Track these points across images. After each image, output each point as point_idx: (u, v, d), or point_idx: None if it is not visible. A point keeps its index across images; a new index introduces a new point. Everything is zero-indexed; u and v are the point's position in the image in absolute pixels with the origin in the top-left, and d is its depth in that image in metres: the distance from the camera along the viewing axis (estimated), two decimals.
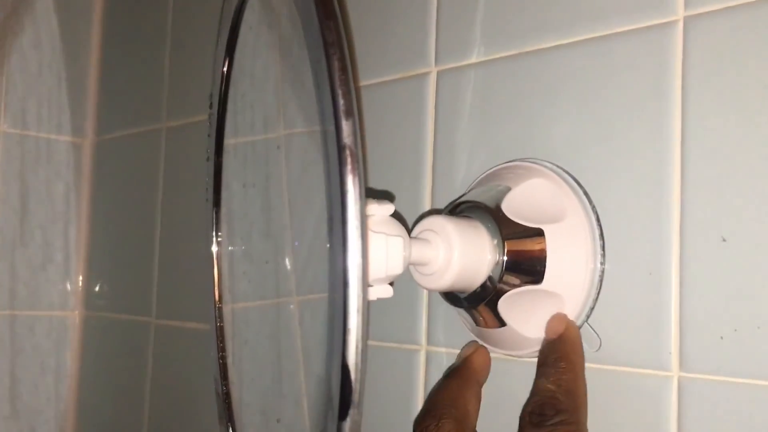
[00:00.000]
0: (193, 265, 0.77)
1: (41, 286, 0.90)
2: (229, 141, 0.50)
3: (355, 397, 0.30)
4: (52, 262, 0.91)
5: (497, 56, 0.53)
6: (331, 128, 0.30)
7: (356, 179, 0.30)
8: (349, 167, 0.30)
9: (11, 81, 0.89)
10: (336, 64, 0.31)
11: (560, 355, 0.45)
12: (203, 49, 0.79)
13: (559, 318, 0.47)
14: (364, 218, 0.30)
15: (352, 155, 0.30)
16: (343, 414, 0.30)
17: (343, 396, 0.30)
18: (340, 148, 0.30)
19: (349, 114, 0.30)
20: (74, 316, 0.93)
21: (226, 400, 0.50)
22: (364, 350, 0.30)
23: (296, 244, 0.51)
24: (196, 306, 0.76)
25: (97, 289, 0.92)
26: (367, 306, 0.30)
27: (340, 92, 0.30)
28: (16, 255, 0.89)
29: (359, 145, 0.30)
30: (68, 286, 0.92)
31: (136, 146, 0.88)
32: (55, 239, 0.91)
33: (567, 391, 0.43)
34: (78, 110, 0.94)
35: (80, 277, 0.93)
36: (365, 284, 0.30)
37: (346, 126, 0.30)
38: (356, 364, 0.30)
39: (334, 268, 0.31)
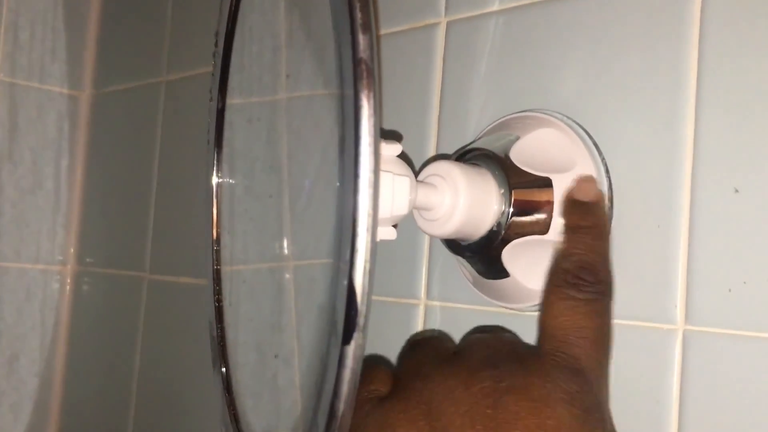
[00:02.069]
0: (189, 221, 0.76)
1: (29, 215, 0.89)
2: (234, 77, 0.49)
3: (361, 320, 0.29)
4: (42, 188, 0.90)
5: (513, 5, 0.52)
6: (347, 43, 0.29)
7: (371, 94, 0.29)
8: (364, 81, 0.29)
9: (9, 30, 0.88)
10: None
11: (595, 222, 0.41)
12: (206, 1, 0.78)
13: (591, 181, 0.43)
14: (377, 136, 0.29)
15: (368, 70, 0.29)
16: (347, 338, 0.30)
17: (348, 318, 0.29)
18: (356, 62, 0.29)
19: (366, 27, 0.29)
20: (66, 269, 0.92)
21: (220, 342, 0.49)
22: (371, 271, 0.29)
23: (304, 180, 0.50)
24: (190, 261, 0.75)
25: (90, 244, 0.91)
26: (377, 227, 0.29)
27: (357, 4, 0.29)
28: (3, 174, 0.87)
29: (376, 60, 0.29)
30: (62, 230, 0.91)
31: (134, 100, 0.87)
32: (60, 196, 0.90)
33: (605, 260, 0.40)
34: (76, 62, 0.93)
35: (74, 227, 0.92)
36: (376, 203, 0.29)
37: (362, 39, 0.29)
38: (363, 285, 0.29)
39: (343, 188, 0.30)
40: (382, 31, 0.60)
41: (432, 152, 0.56)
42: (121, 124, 0.89)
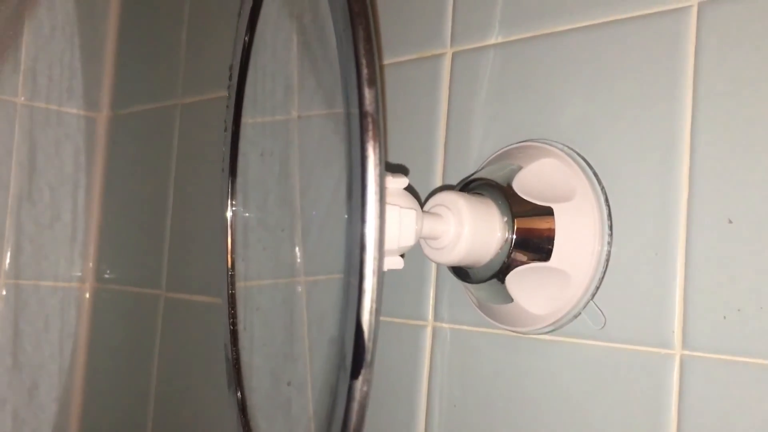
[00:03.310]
0: (204, 240, 0.78)
1: (48, 248, 0.91)
2: (247, 110, 0.51)
3: (368, 356, 0.31)
4: (59, 220, 0.92)
5: (514, 38, 0.54)
6: (354, 96, 0.31)
7: (377, 146, 0.31)
8: (370, 134, 0.31)
9: (29, 53, 0.90)
10: (361, 33, 0.32)
11: None
12: (220, 26, 0.80)
13: None
14: (383, 184, 0.31)
15: (373, 122, 0.31)
16: (355, 373, 0.31)
17: (356, 355, 0.31)
18: (362, 114, 0.31)
19: (372, 82, 0.31)
20: (84, 288, 0.94)
21: (235, 365, 0.51)
22: (378, 311, 0.31)
23: (314, 213, 0.52)
24: (206, 279, 0.77)
25: (108, 262, 0.93)
26: (383, 269, 0.31)
27: (364, 61, 0.31)
28: (23, 213, 0.89)
29: (381, 113, 0.31)
30: (79, 259, 0.93)
31: (150, 122, 0.89)
32: (63, 200, 0.92)
33: None
34: (94, 84, 0.95)
35: (92, 250, 0.94)
36: (382, 247, 0.31)
37: (368, 94, 0.31)
38: (370, 323, 0.31)
39: (351, 232, 0.32)
40: (390, 60, 0.62)
41: (439, 176, 0.57)
42: (137, 146, 0.91)
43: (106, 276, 0.93)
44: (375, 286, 0.31)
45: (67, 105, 0.93)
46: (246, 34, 0.49)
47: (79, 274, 0.94)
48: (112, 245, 0.92)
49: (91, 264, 0.94)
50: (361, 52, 0.31)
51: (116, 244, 0.92)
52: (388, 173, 0.45)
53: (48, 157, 0.91)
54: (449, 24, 0.58)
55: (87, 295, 0.94)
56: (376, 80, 0.31)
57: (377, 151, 0.31)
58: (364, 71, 0.31)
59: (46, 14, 0.91)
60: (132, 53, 0.94)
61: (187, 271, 0.80)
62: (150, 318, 0.84)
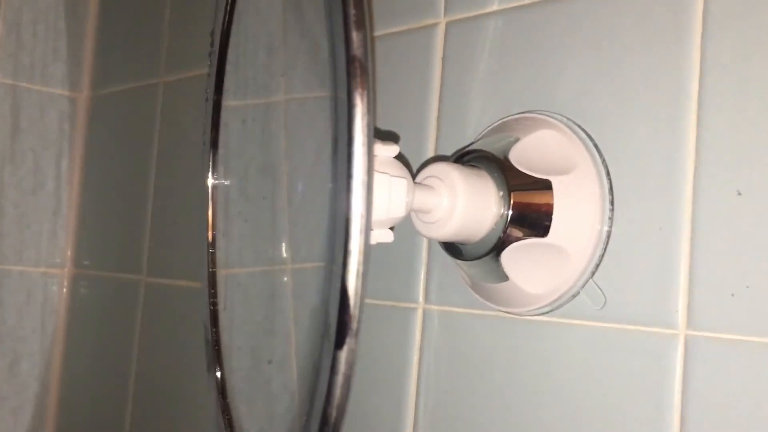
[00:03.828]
0: (187, 223, 0.75)
1: (30, 240, 0.89)
2: (229, 77, 0.48)
3: (354, 324, 0.29)
4: (42, 188, 0.89)
5: (512, 5, 0.51)
6: (340, 40, 0.29)
7: (365, 94, 0.28)
8: (358, 80, 0.28)
9: (8, 28, 0.87)
10: None
11: None
12: (204, 3, 0.77)
13: None
14: (371, 135, 0.28)
15: (362, 67, 0.28)
16: (339, 342, 0.29)
17: (340, 322, 0.28)
18: (349, 59, 0.28)
19: (360, 24, 0.28)
20: (64, 273, 0.91)
21: (215, 346, 0.48)
22: (365, 274, 0.28)
23: (298, 181, 0.49)
24: (187, 264, 0.75)
25: (87, 246, 0.90)
26: (370, 228, 0.28)
27: (351, 1, 0.29)
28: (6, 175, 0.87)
29: (370, 58, 0.28)
30: (59, 242, 0.91)
31: (132, 101, 0.86)
32: (58, 199, 0.90)
33: None
34: (75, 64, 0.92)
35: (72, 233, 0.91)
36: (370, 204, 0.28)
37: (356, 36, 0.28)
38: (356, 287, 0.28)
39: (336, 188, 0.29)
40: (382, 32, 0.59)
41: (431, 153, 0.55)
42: (118, 126, 0.88)
43: (86, 262, 0.90)
44: (362, 247, 0.28)
45: (49, 85, 0.90)
46: None
47: (61, 252, 0.91)
48: (92, 228, 0.89)
49: (70, 247, 0.91)
50: None
51: (96, 228, 0.89)
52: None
53: (32, 122, 0.88)
54: None
55: (66, 277, 0.91)
56: (365, 22, 0.28)
57: (365, 99, 0.28)
58: (352, 12, 0.28)
59: None
60: (113, 31, 0.91)
61: (169, 256, 0.77)
62: (130, 302, 0.81)
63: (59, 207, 0.90)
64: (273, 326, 0.51)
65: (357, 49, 0.28)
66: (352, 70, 0.28)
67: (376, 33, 0.59)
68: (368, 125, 0.28)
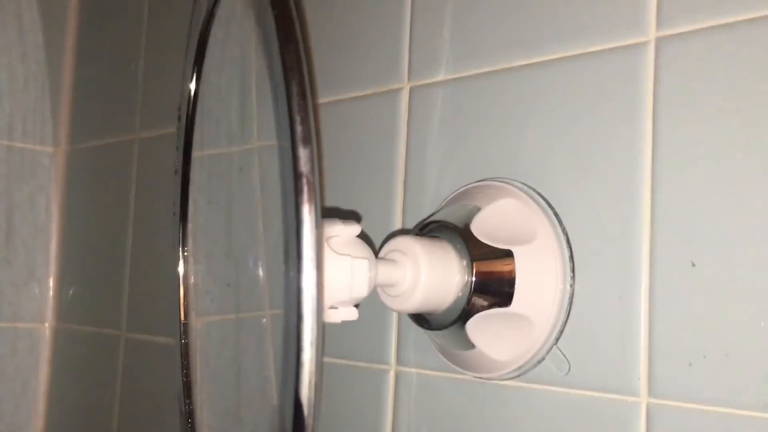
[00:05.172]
0: (164, 279, 0.76)
1: (11, 295, 0.89)
2: (195, 155, 0.49)
3: None
4: (33, 278, 0.90)
5: (468, 74, 0.52)
6: (288, 154, 0.29)
7: (312, 208, 0.29)
8: (305, 196, 0.29)
9: None
10: (295, 89, 0.30)
11: None
12: (177, 61, 0.78)
13: None
14: (320, 249, 0.29)
15: (308, 184, 0.29)
16: None
17: None
18: (297, 175, 0.29)
19: (306, 141, 0.29)
20: (44, 328, 0.91)
21: (189, 419, 0.49)
22: (318, 384, 0.29)
23: (252, 265, 0.50)
24: (166, 320, 0.75)
25: (68, 300, 0.90)
26: (322, 340, 0.29)
27: (298, 118, 0.29)
28: None
29: (317, 173, 0.29)
30: (39, 297, 0.91)
31: (108, 156, 0.87)
32: (37, 254, 0.90)
33: None
34: (51, 119, 0.93)
35: (51, 288, 0.91)
36: (320, 318, 0.29)
37: (303, 153, 0.29)
38: (309, 398, 0.29)
39: (288, 300, 0.30)
40: (347, 95, 0.60)
41: (399, 217, 0.56)
42: (96, 182, 0.89)
43: (66, 315, 0.90)
44: (314, 359, 0.29)
45: (24, 141, 0.91)
46: (191, 78, 0.47)
47: (38, 312, 0.91)
48: (71, 284, 0.90)
49: (50, 303, 0.91)
50: (295, 108, 0.29)
51: (75, 283, 0.89)
52: (339, 221, 0.43)
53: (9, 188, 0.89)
54: (406, 58, 0.56)
55: (47, 334, 0.91)
56: (311, 138, 0.29)
57: (313, 214, 0.29)
58: (299, 129, 0.29)
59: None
60: (89, 89, 0.92)
61: (148, 311, 0.78)
62: (110, 359, 0.81)
63: (33, 273, 0.91)
64: (239, 413, 0.52)
65: (304, 165, 0.29)
66: (299, 186, 0.29)
67: (342, 96, 0.60)
68: (316, 241, 0.29)
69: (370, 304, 0.55)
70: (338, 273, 0.41)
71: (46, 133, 0.92)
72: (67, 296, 0.90)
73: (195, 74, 0.47)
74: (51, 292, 0.91)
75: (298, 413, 0.29)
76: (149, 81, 0.82)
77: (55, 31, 0.92)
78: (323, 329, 0.29)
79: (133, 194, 0.82)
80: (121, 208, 0.82)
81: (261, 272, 0.49)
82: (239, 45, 0.51)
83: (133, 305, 0.80)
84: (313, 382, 0.29)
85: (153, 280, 0.78)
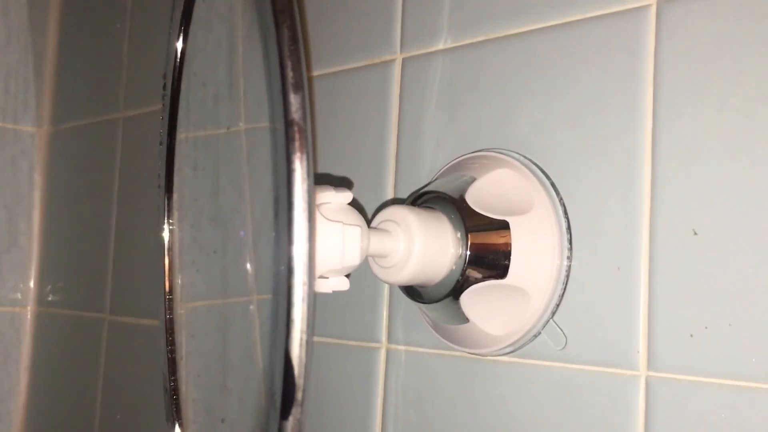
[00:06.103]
0: (148, 260, 0.74)
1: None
2: (181, 122, 0.47)
3: (299, 394, 0.28)
4: (16, 245, 0.88)
5: (465, 42, 0.51)
6: (279, 103, 0.28)
7: (304, 158, 0.28)
8: (296, 144, 0.27)
9: None
10: (286, 33, 0.28)
11: None
12: (163, 37, 0.76)
13: None
14: (312, 199, 0.28)
15: (300, 131, 0.27)
16: (285, 413, 0.28)
17: (285, 393, 0.28)
18: (288, 123, 0.27)
19: (298, 87, 0.28)
20: (26, 312, 0.89)
21: (173, 396, 0.47)
22: (309, 342, 0.27)
23: (242, 233, 0.48)
24: (150, 302, 0.73)
25: (50, 284, 0.88)
26: (314, 295, 0.28)
27: (289, 63, 0.28)
28: None
29: (308, 121, 0.28)
30: (20, 282, 0.89)
31: (92, 136, 0.85)
32: (19, 221, 0.88)
33: None
34: (34, 99, 0.91)
35: (33, 272, 0.89)
36: (312, 271, 0.27)
37: (294, 100, 0.28)
38: (300, 357, 0.27)
39: (278, 255, 0.28)
40: (339, 68, 0.58)
41: (391, 189, 0.54)
42: (80, 162, 0.87)
43: (49, 299, 0.88)
44: (305, 315, 0.27)
45: (10, 121, 0.89)
46: (178, 40, 0.46)
47: (19, 296, 0.89)
48: (53, 266, 0.88)
49: (32, 286, 0.89)
50: (286, 53, 0.28)
51: (58, 266, 0.87)
52: (331, 187, 0.42)
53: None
54: (398, 29, 0.55)
55: (28, 318, 0.89)
56: (302, 85, 0.28)
57: (305, 163, 0.27)
58: (289, 74, 0.28)
59: None
60: (72, 67, 0.90)
61: (132, 294, 0.76)
62: (94, 342, 0.79)
63: (21, 243, 0.89)
64: (225, 383, 0.50)
65: (295, 112, 0.27)
66: (290, 134, 0.27)
67: (335, 69, 0.59)
68: (308, 190, 0.27)
69: (361, 283, 0.53)
70: (329, 240, 0.40)
71: (29, 113, 0.90)
72: (49, 280, 0.88)
73: (182, 33, 0.45)
74: (33, 276, 0.89)
75: (289, 373, 0.27)
76: (135, 57, 0.80)
77: (39, 7, 0.90)
78: (314, 286, 0.28)
79: (117, 175, 0.80)
80: (105, 190, 0.81)
81: (250, 236, 0.48)
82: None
83: (117, 288, 0.78)
84: (304, 340, 0.27)
85: (137, 263, 0.76)
